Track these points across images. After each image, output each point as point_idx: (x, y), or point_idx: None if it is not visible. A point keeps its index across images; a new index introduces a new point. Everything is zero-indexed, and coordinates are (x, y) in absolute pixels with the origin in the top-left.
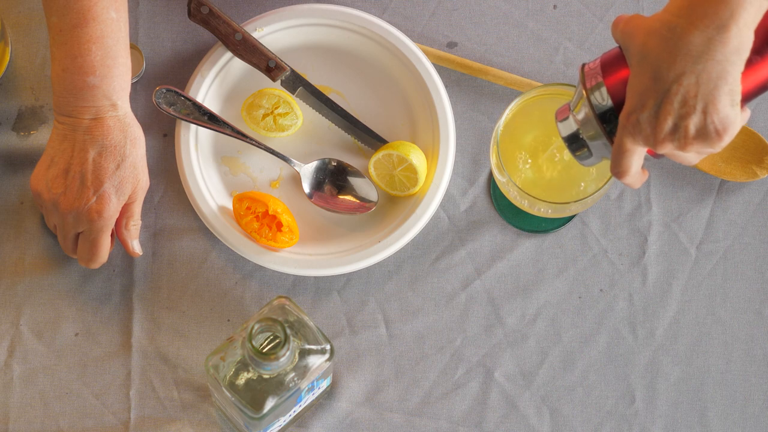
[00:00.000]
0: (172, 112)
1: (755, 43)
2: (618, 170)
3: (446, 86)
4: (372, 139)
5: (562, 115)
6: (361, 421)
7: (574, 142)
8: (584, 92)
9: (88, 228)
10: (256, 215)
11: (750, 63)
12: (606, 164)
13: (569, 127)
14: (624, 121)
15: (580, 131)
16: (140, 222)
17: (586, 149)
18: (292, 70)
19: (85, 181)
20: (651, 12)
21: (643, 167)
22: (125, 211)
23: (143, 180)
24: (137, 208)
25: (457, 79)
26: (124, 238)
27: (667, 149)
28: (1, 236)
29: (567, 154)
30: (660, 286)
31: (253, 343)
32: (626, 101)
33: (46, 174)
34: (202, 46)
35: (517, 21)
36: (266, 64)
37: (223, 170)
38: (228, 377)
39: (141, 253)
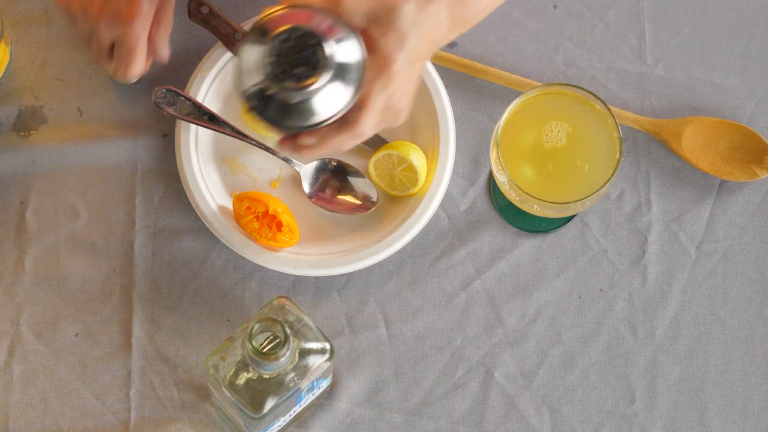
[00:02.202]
0: (172, 112)
1: None
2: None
3: (446, 86)
4: (372, 139)
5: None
6: (361, 421)
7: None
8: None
9: (123, 33)
10: (256, 215)
11: None
12: (608, 160)
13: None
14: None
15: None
16: (171, 25)
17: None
18: None
19: None
20: (651, 11)
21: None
22: (156, 14)
23: None
24: (169, 9)
25: (457, 79)
26: (154, 40)
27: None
28: (1, 236)
29: (567, 154)
30: (660, 286)
31: (253, 343)
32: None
33: None
34: (202, 46)
35: (517, 21)
36: None
37: (223, 170)
38: (228, 377)
39: (167, 58)
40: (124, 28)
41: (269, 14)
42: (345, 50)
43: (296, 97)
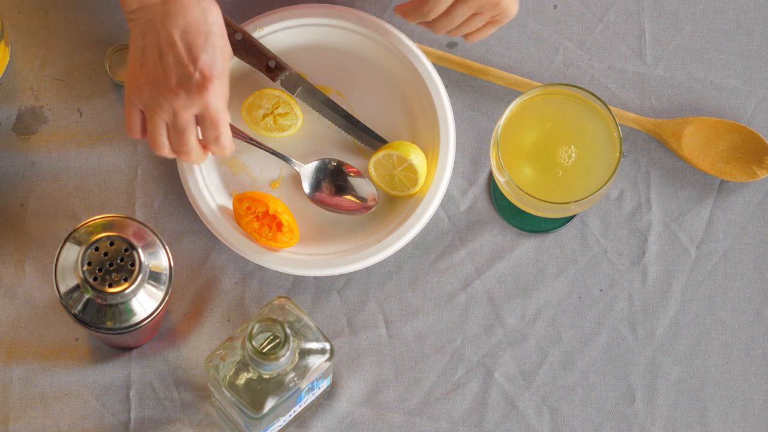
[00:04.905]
0: None
1: None
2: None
3: (446, 86)
4: (372, 139)
5: None
6: (361, 421)
7: None
8: None
9: (203, 105)
10: (256, 215)
11: None
12: (608, 160)
13: None
14: None
15: None
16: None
17: None
18: (292, 70)
19: (181, 60)
20: (651, 11)
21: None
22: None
23: (229, 48)
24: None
25: (457, 79)
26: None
27: None
28: (2, 238)
29: (568, 154)
30: (660, 286)
31: (253, 343)
32: None
33: (141, 70)
34: None
35: (517, 21)
36: (266, 64)
37: (223, 170)
38: (228, 377)
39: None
40: (202, 98)
41: (89, 221)
42: (154, 256)
43: (110, 300)
